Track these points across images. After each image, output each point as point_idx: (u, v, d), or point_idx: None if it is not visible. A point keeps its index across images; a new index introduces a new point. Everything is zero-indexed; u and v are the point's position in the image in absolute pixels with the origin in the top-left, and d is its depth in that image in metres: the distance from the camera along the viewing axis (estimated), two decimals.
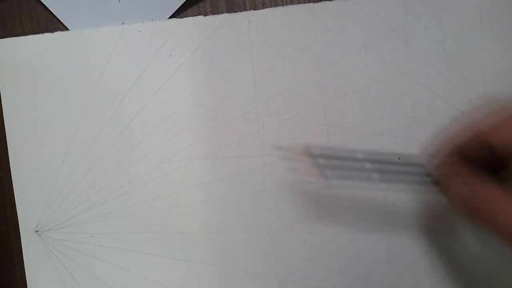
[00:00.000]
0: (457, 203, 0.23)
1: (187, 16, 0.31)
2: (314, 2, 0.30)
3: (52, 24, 0.32)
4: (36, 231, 0.32)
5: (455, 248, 0.30)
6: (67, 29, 0.32)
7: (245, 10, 0.31)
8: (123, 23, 0.31)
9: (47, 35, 0.32)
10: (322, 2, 0.30)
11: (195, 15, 0.31)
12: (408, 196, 0.30)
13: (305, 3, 0.31)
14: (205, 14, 0.31)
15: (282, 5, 0.31)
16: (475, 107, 0.23)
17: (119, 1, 0.31)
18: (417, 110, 0.30)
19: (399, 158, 0.25)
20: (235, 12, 0.31)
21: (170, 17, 0.31)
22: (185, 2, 0.31)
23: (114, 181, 0.32)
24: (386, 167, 0.24)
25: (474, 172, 0.22)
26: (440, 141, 0.24)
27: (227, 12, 0.31)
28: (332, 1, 0.30)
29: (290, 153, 0.25)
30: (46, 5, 0.32)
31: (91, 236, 0.32)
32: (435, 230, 0.30)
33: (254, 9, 0.31)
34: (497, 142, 0.21)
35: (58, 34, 0.32)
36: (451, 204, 0.23)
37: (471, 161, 0.22)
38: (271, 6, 0.31)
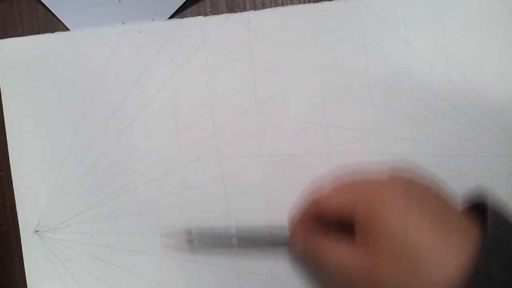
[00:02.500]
0: (296, 256, 0.29)
1: (187, 16, 0.31)
2: (314, 2, 0.30)
3: (52, 24, 0.32)
4: (36, 231, 0.32)
5: None
6: (67, 29, 0.32)
7: (245, 10, 0.31)
8: (123, 23, 0.31)
9: (47, 35, 0.32)
10: (322, 2, 0.30)
11: (195, 15, 0.31)
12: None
13: (305, 3, 0.31)
14: (205, 14, 0.31)
15: (282, 5, 0.31)
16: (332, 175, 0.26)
17: (119, 1, 0.31)
18: (417, 110, 0.30)
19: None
20: (235, 12, 0.31)
21: (170, 17, 0.31)
22: (185, 2, 0.31)
23: (114, 181, 0.32)
24: (250, 236, 0.30)
25: (320, 231, 0.25)
26: (295, 208, 0.28)
27: (227, 12, 0.31)
28: (332, 1, 0.30)
29: (173, 238, 0.31)
30: (46, 5, 0.32)
31: (91, 236, 0.32)
32: None
33: (254, 9, 0.31)
34: (326, 209, 0.24)
35: (58, 34, 0.32)
36: (294, 259, 0.29)
37: (327, 221, 0.25)
38: (271, 6, 0.31)
